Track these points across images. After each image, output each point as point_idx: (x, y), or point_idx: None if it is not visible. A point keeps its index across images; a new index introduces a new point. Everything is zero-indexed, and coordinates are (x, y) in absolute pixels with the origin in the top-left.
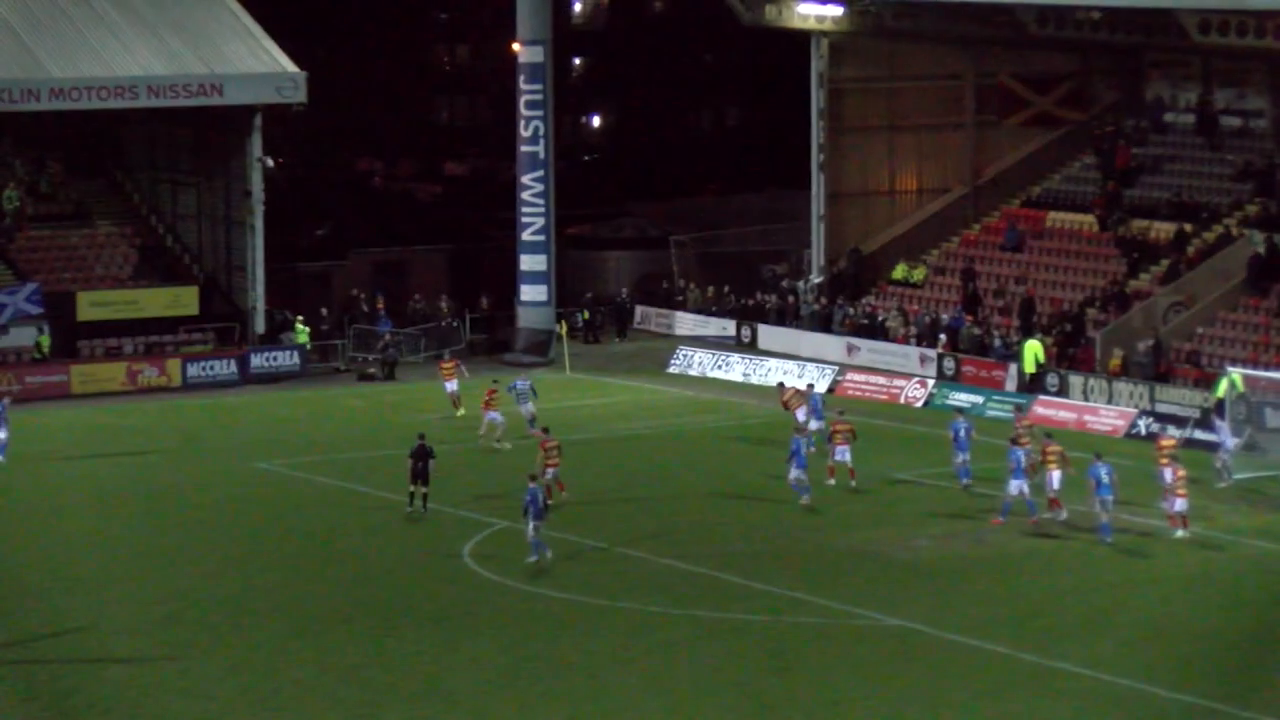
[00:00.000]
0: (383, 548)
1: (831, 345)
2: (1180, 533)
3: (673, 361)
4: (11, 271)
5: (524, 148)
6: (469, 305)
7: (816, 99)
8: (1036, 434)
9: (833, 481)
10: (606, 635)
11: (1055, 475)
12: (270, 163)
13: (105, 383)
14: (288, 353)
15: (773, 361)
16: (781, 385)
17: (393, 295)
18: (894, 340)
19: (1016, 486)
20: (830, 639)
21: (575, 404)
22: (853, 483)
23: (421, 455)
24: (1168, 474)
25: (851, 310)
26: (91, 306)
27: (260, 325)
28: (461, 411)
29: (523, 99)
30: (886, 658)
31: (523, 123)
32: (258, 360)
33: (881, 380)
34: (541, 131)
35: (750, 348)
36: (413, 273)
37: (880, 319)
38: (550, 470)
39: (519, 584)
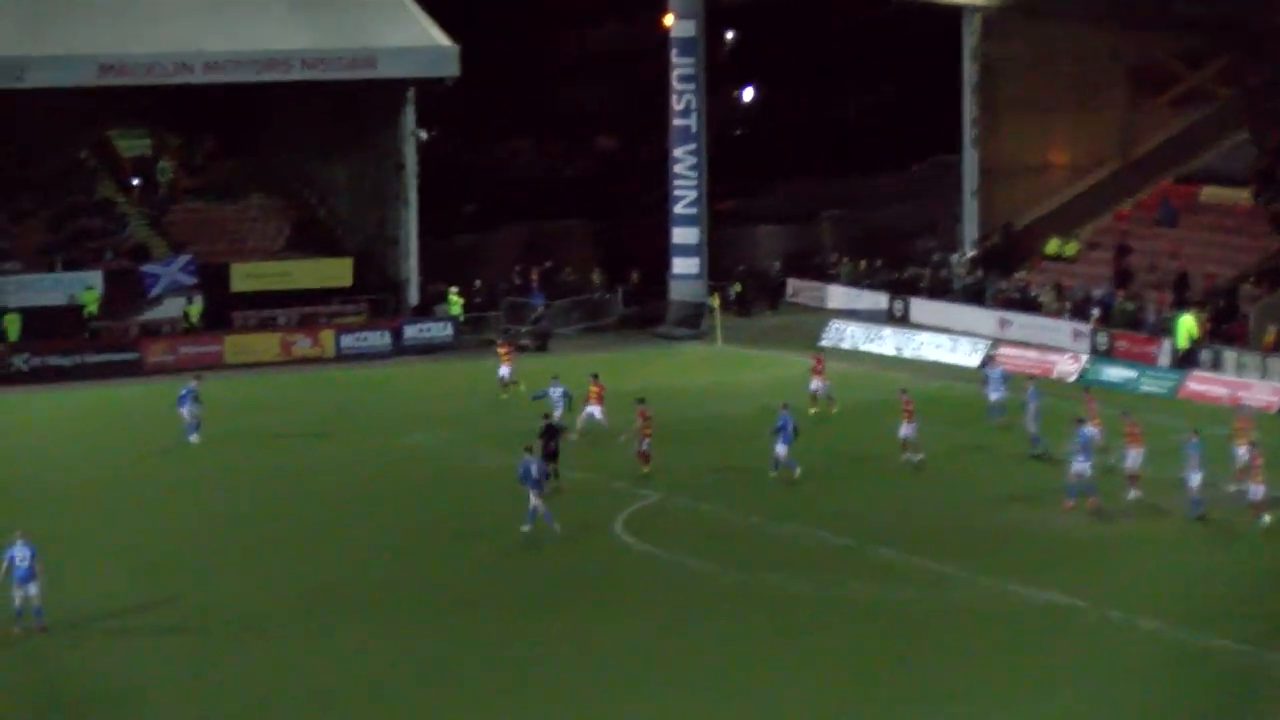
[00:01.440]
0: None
1: (984, 319)
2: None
3: (825, 335)
4: (166, 243)
5: (676, 121)
6: (620, 278)
7: (969, 74)
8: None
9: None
10: (756, 611)
11: (1132, 453)
12: (423, 136)
13: (259, 353)
14: (441, 324)
15: (925, 335)
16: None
17: (545, 268)
18: (1046, 315)
19: (1080, 466)
20: (981, 616)
21: (726, 378)
22: (912, 456)
23: (550, 434)
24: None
25: (1004, 284)
26: (245, 278)
27: (414, 297)
28: (505, 396)
29: (675, 73)
30: (1037, 635)
31: (675, 96)
32: (411, 332)
33: (1034, 355)
34: (694, 105)
35: (903, 321)
36: (565, 246)
37: (1033, 293)
38: (645, 440)
39: (671, 556)
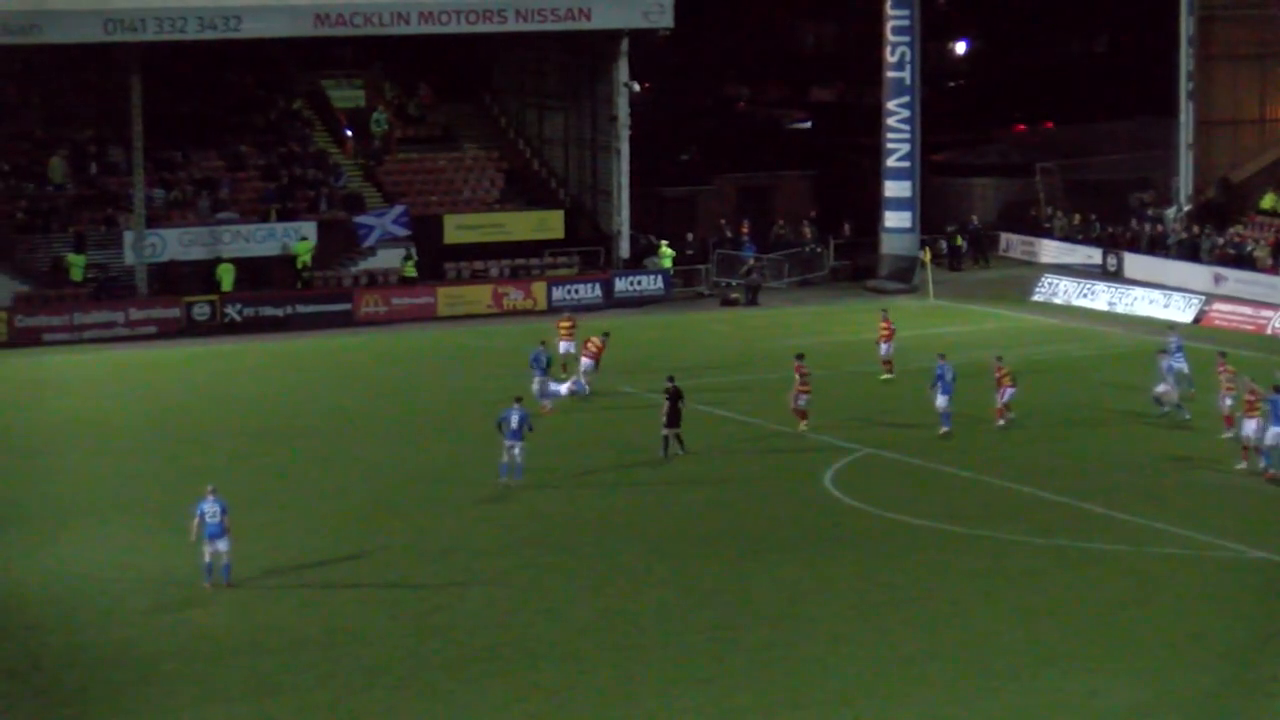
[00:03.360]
0: (744, 471)
1: (1198, 275)
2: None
3: (1037, 289)
4: (379, 194)
5: (890, 73)
6: (832, 231)
7: (1186, 26)
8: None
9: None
10: (967, 563)
11: (1250, 423)
12: (636, 87)
13: (471, 305)
14: (652, 277)
15: (1138, 290)
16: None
17: (756, 221)
18: (1262, 270)
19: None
20: (1193, 570)
21: (938, 331)
22: (1000, 421)
23: (674, 397)
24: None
25: (1219, 240)
26: (458, 229)
27: (625, 249)
28: (565, 379)
29: (889, 24)
30: (1249, 591)
31: (889, 48)
32: (622, 284)
33: (1248, 310)
34: (908, 57)
35: (1116, 276)
36: (777, 198)
37: (1248, 249)
38: (803, 397)
39: (880, 510)
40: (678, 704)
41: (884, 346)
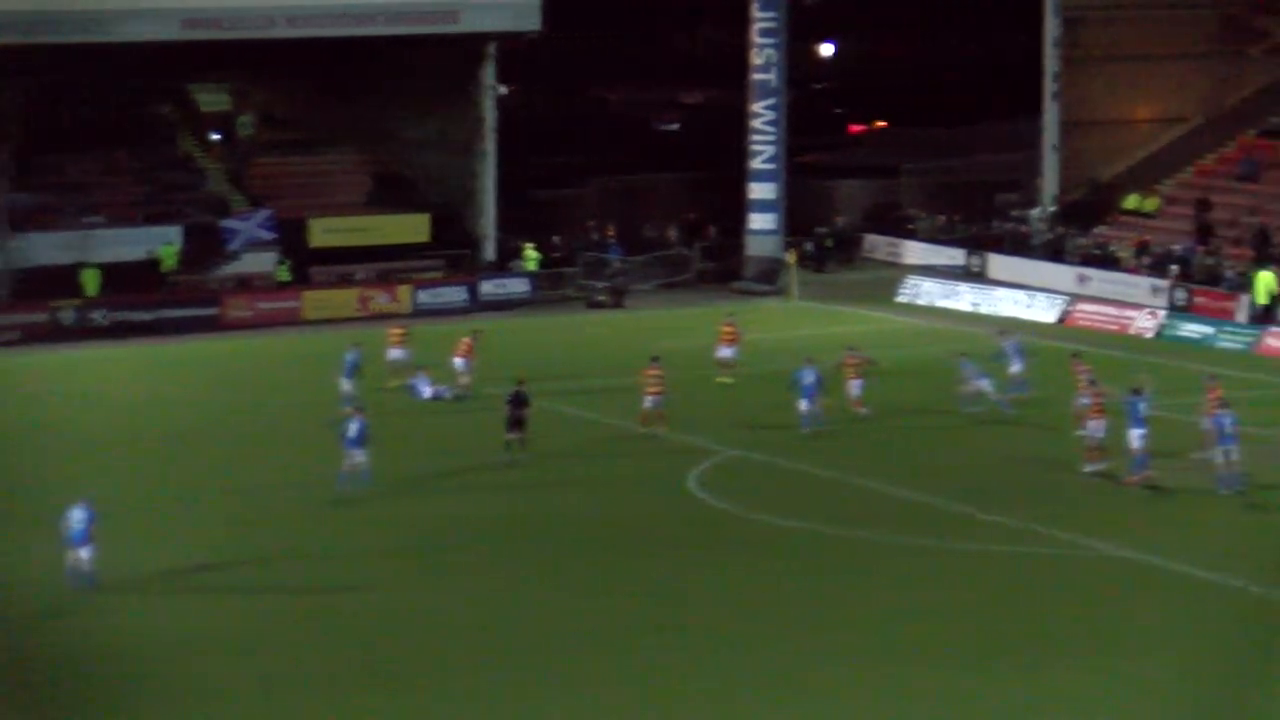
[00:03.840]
0: (610, 474)
1: (1062, 275)
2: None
3: (902, 290)
4: (246, 198)
5: (756, 75)
6: (698, 234)
7: (1051, 26)
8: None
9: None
10: (839, 566)
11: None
12: (504, 90)
13: (337, 309)
14: (518, 280)
15: (1002, 291)
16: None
17: (623, 224)
18: (1125, 270)
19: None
20: (1062, 571)
21: (803, 333)
22: (862, 410)
23: (518, 402)
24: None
25: (1083, 240)
26: (324, 233)
27: (492, 252)
28: (394, 384)
29: (755, 26)
30: (1119, 590)
31: (755, 50)
32: (488, 287)
33: (1112, 310)
34: (774, 59)
35: (980, 277)
36: (644, 201)
37: (1112, 249)
38: (650, 399)
39: (744, 512)
40: (555, 707)
41: (725, 350)
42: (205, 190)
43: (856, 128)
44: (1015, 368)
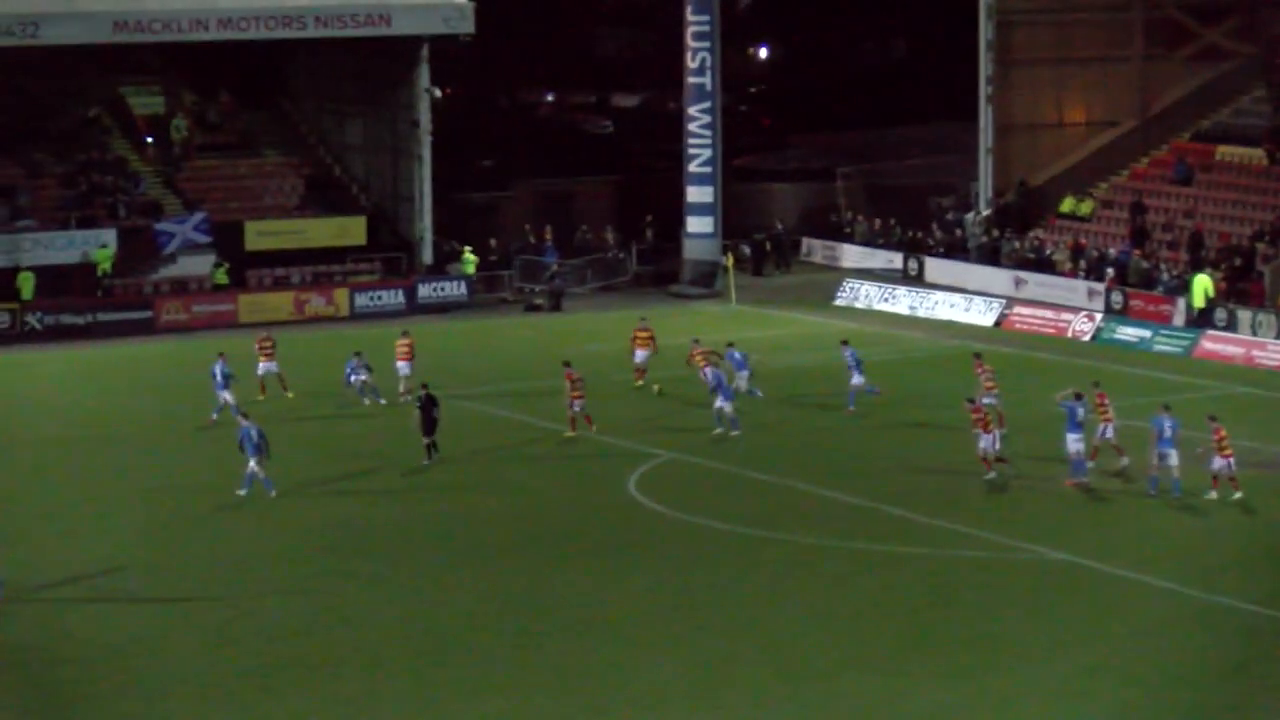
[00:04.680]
0: (547, 478)
1: (999, 278)
2: (1212, 494)
3: (839, 294)
4: (180, 201)
5: (691, 79)
6: (635, 237)
7: (985, 30)
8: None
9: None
10: (766, 567)
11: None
12: (437, 93)
13: (273, 312)
14: (455, 283)
15: (939, 294)
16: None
17: (559, 227)
18: (1061, 274)
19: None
20: (992, 573)
21: (740, 336)
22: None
23: (428, 405)
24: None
25: (1018, 244)
26: (259, 236)
27: (428, 255)
28: (263, 397)
29: (689, 30)
30: (1048, 592)
31: (689, 53)
32: (425, 290)
33: (1049, 314)
34: (708, 63)
35: (917, 281)
36: (579, 204)
37: (1048, 252)
38: (577, 403)
39: (683, 515)
40: (479, 710)
41: (639, 354)
42: (139, 194)
43: (791, 131)
44: (855, 380)
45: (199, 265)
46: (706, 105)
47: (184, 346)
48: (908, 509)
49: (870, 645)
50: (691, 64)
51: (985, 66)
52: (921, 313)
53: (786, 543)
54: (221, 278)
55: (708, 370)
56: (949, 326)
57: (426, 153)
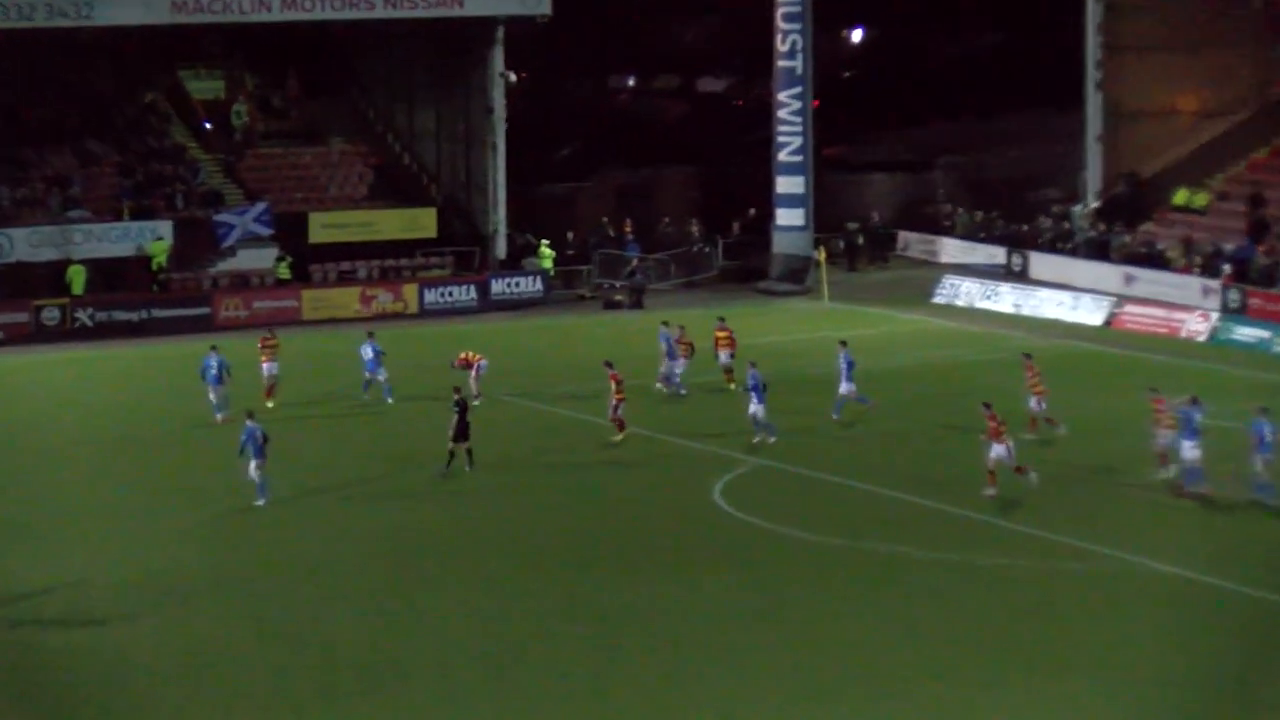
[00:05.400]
0: (626, 484)
1: (1107, 275)
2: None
3: (938, 291)
4: (240, 191)
5: (781, 63)
6: (720, 230)
7: (1092, 14)
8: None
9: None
10: (856, 579)
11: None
12: (512, 78)
13: (338, 309)
14: (530, 278)
15: (1045, 292)
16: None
17: (640, 219)
18: (1174, 270)
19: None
20: (1095, 585)
21: (833, 335)
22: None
23: (462, 409)
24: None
25: (1128, 238)
26: (324, 228)
27: (502, 249)
28: (270, 404)
29: (780, 11)
30: (1153, 605)
31: (780, 36)
32: (499, 286)
33: (1161, 313)
34: (799, 46)
35: (1021, 277)
36: (661, 195)
37: (1160, 247)
38: (620, 405)
39: (768, 524)
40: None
41: (722, 356)
42: (198, 183)
43: (885, 119)
44: (844, 387)
45: (260, 259)
46: (798, 90)
47: (244, 345)
48: (1005, 518)
49: (964, 662)
50: (782, 47)
51: (1093, 51)
52: (1026, 311)
53: (875, 553)
54: (284, 272)
55: (753, 372)
56: (1055, 326)
57: (501, 141)
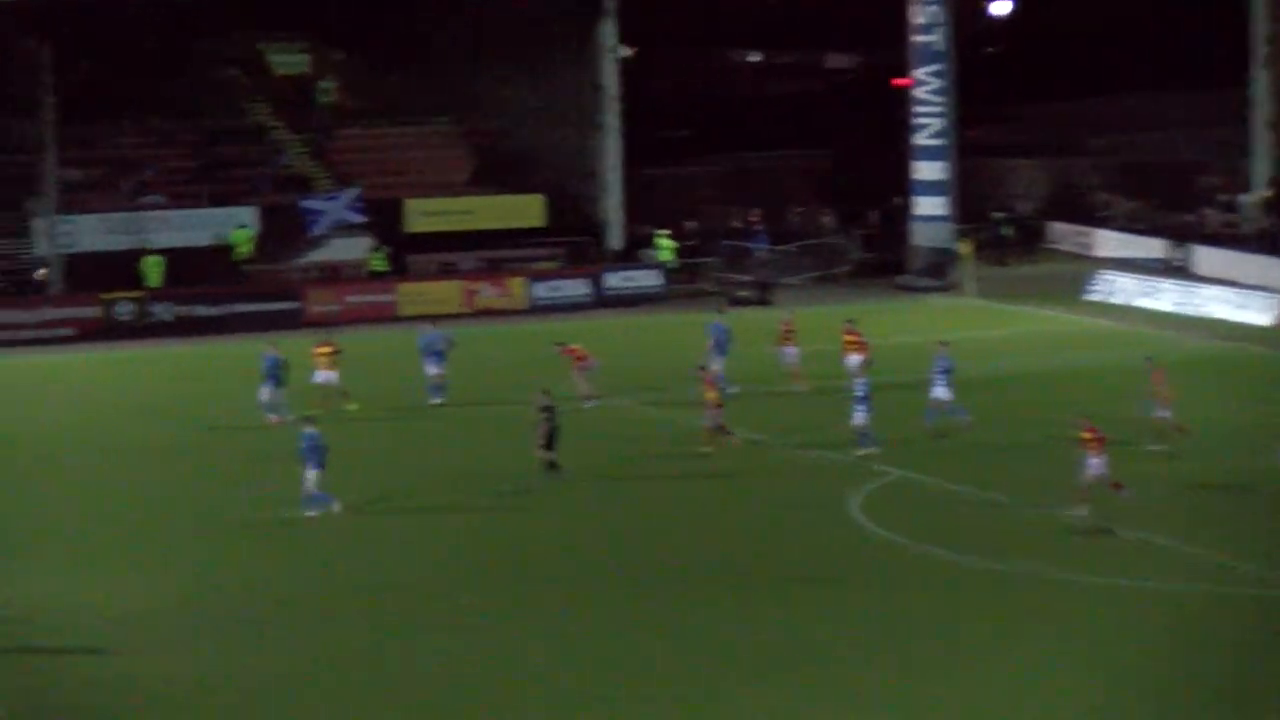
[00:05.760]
0: (754, 497)
1: (1278, 271)
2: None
3: (1092, 287)
4: (329, 175)
5: (917, 38)
6: (856, 220)
7: None
8: None
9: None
10: (1004, 603)
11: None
12: (626, 53)
13: (438, 304)
14: (648, 272)
15: (1210, 289)
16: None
17: (768, 207)
18: None
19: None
20: (1253, 610)
21: (977, 334)
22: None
23: (549, 415)
24: None
25: None
26: (421, 216)
27: (617, 240)
28: (354, 406)
29: None
30: None
31: (915, 8)
32: (613, 280)
33: None
34: (939, 19)
35: (1183, 273)
36: (789, 181)
37: None
38: (717, 413)
39: (909, 542)
40: None
41: (851, 359)
42: (281, 166)
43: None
44: (938, 391)
45: (351, 249)
46: (937, 68)
47: (371, 339)
48: (1165, 535)
49: (1118, 693)
50: (918, 20)
51: (1261, 24)
52: (1189, 310)
53: (1026, 575)
54: (379, 263)
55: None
56: (1219, 326)
57: (614, 122)
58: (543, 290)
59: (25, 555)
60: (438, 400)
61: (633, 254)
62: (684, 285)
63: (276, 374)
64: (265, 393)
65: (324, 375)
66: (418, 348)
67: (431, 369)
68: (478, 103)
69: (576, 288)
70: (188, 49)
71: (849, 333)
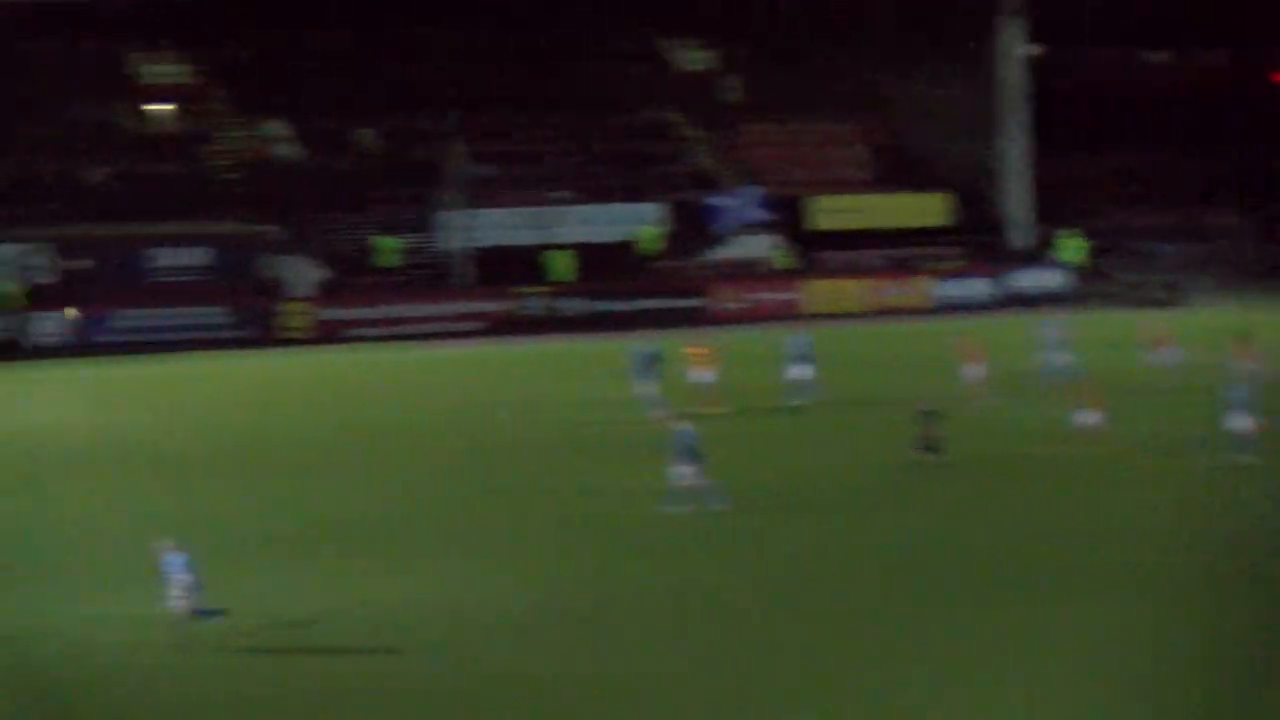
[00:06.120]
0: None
1: None
2: None
3: None
4: (732, 171)
5: None
6: (1271, 220)
7: None
8: None
9: None
10: None
11: None
12: (1034, 50)
13: (840, 302)
14: (1053, 272)
15: None
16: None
17: (1179, 206)
18: None
19: None
20: None
21: None
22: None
23: (930, 421)
24: None
25: None
26: (825, 214)
27: (1021, 239)
28: (722, 410)
29: None
30: None
31: None
32: (1017, 280)
33: None
34: None
35: None
36: (1195, 179)
37: None
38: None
39: None
40: None
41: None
42: (686, 163)
43: None
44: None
45: (754, 247)
46: None
47: (742, 340)
48: None
49: None
50: None
51: None
52: None
53: None
54: (784, 260)
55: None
56: None
57: (1021, 120)
58: (946, 289)
59: (405, 551)
60: (799, 401)
61: (1039, 253)
62: (1090, 286)
63: (652, 369)
64: (644, 388)
65: (699, 374)
66: (783, 353)
67: (794, 372)
68: (878, 100)
69: (978, 287)
70: (591, 45)
71: (1237, 343)
